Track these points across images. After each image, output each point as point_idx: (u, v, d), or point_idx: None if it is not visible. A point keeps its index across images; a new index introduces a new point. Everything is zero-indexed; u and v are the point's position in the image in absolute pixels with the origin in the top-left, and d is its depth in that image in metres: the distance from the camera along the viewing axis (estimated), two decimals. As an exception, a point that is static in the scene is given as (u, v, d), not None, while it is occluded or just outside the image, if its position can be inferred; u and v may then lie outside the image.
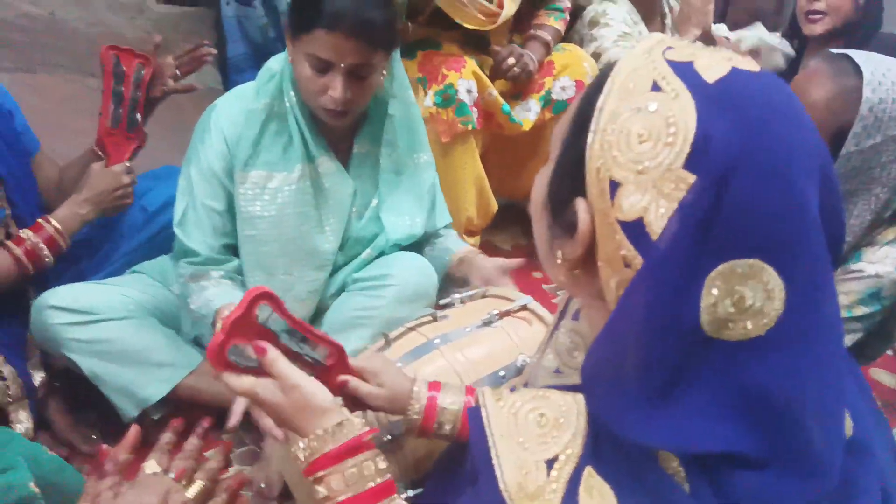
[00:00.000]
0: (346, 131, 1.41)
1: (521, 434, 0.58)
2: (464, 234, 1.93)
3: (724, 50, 0.57)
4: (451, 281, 1.56)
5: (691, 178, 0.51)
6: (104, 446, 0.82)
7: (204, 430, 0.87)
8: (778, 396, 0.52)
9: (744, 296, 0.51)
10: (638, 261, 0.53)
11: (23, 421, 1.35)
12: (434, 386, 0.92)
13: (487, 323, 1.24)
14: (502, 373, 1.12)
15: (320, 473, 0.72)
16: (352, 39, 1.20)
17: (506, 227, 2.28)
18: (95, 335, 1.30)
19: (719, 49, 0.57)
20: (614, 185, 0.53)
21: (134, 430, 0.83)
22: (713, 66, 0.54)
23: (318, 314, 1.48)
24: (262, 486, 1.27)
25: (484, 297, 1.38)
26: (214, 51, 1.58)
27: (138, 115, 1.46)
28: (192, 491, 0.78)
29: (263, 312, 0.74)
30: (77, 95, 1.44)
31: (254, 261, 1.37)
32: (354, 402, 0.89)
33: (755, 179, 0.50)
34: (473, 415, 0.61)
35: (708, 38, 2.06)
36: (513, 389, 0.66)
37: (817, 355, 0.53)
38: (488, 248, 2.13)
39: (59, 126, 1.45)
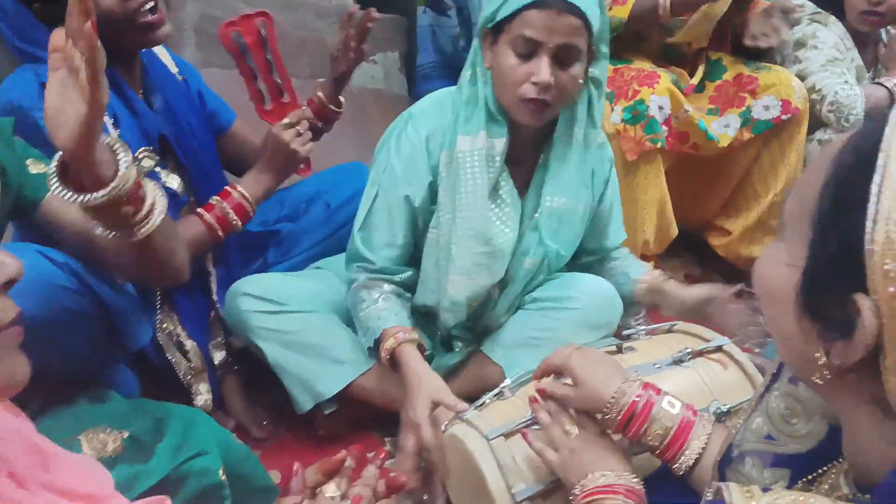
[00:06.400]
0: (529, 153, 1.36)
1: None
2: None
3: None
4: (629, 308, 1.47)
5: None
6: (296, 464, 0.80)
7: (382, 460, 0.85)
8: None
9: None
10: None
11: (202, 393, 1.40)
12: (653, 387, 0.89)
13: (678, 361, 1.15)
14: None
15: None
16: (562, 15, 1.18)
17: (679, 253, 2.14)
18: (283, 325, 1.35)
19: None
20: None
21: (341, 456, 0.80)
22: None
23: (487, 332, 1.45)
24: (425, 497, 1.25)
25: (670, 331, 1.29)
26: (378, 15, 1.50)
27: (277, 79, 1.45)
28: None
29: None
30: (285, 94, 1.50)
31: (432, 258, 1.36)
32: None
33: None
34: None
35: None
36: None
37: None
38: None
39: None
